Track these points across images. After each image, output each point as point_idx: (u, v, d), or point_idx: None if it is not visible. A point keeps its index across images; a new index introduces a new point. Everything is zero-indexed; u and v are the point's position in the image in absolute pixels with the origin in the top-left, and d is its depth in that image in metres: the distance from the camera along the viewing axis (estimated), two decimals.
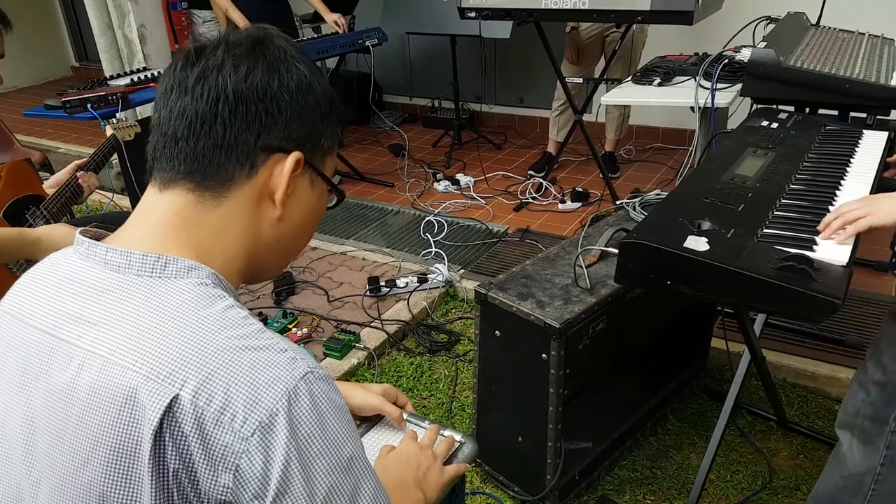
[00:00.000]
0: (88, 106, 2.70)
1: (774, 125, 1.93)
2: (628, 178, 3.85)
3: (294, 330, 2.61)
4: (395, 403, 1.15)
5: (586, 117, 3.48)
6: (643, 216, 1.99)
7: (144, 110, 3.06)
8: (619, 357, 1.84)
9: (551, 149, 3.93)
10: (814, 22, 2.79)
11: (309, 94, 0.76)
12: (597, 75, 3.61)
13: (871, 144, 1.81)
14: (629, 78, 2.71)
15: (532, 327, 1.62)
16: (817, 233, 1.28)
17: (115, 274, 0.71)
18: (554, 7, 2.97)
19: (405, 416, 1.16)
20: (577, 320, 1.60)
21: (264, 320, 2.67)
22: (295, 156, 0.75)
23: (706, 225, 1.31)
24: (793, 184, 1.54)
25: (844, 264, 1.21)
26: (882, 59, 2.35)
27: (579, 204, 3.46)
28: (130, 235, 0.74)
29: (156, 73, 2.88)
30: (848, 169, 1.62)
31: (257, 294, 2.92)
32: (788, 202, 1.45)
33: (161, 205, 0.74)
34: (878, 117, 2.14)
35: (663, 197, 2.13)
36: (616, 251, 1.78)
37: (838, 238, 1.25)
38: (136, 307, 0.68)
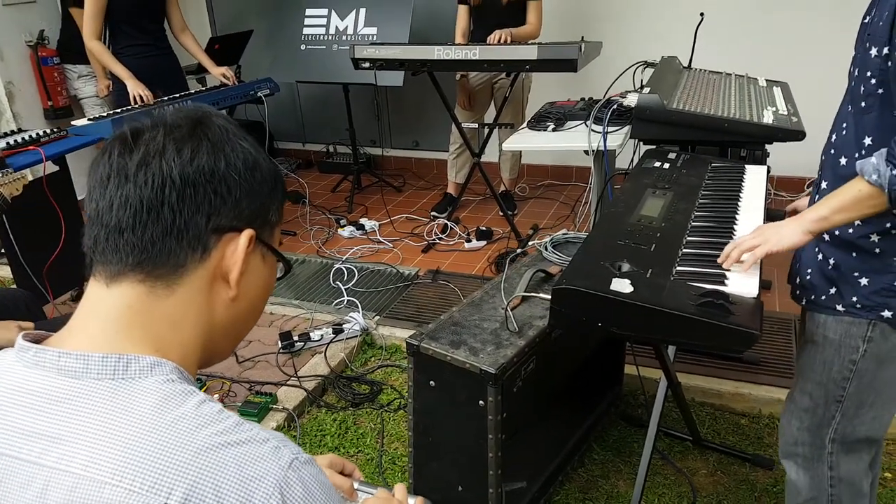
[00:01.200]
0: None
1: (666, 165, 2.08)
2: (525, 214, 4.00)
3: None
4: (342, 473, 1.13)
5: (482, 158, 3.60)
6: (557, 255, 2.08)
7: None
8: (548, 395, 1.89)
9: (451, 190, 4.02)
10: (686, 65, 3.06)
11: (256, 171, 0.75)
12: (487, 119, 3.76)
13: (755, 178, 1.99)
14: (524, 124, 2.84)
15: (468, 375, 1.64)
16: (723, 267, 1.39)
17: (72, 380, 0.66)
18: (446, 57, 3.08)
19: (355, 485, 1.13)
20: (511, 364, 1.64)
21: None
22: (248, 233, 0.73)
23: (626, 267, 1.39)
24: (693, 221, 1.66)
25: (755, 296, 1.32)
26: (752, 98, 2.60)
27: (484, 242, 3.56)
28: (81, 336, 0.69)
29: (34, 135, 2.70)
30: (739, 203, 1.77)
31: None
32: (693, 239, 1.57)
33: (110, 300, 0.70)
34: (754, 151, 2.39)
35: (570, 236, 2.25)
36: (540, 295, 1.87)
37: (742, 267, 1.36)
38: (103, 415, 0.63)
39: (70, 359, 0.67)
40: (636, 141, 2.48)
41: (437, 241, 3.63)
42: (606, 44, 3.52)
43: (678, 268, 1.42)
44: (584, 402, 2.21)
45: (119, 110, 3.12)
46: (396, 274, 3.31)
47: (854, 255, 1.32)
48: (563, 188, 4.32)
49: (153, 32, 3.33)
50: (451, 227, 3.71)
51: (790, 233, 1.31)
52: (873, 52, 1.22)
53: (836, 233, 1.33)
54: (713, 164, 2.13)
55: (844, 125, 1.33)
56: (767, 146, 2.28)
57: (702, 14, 2.82)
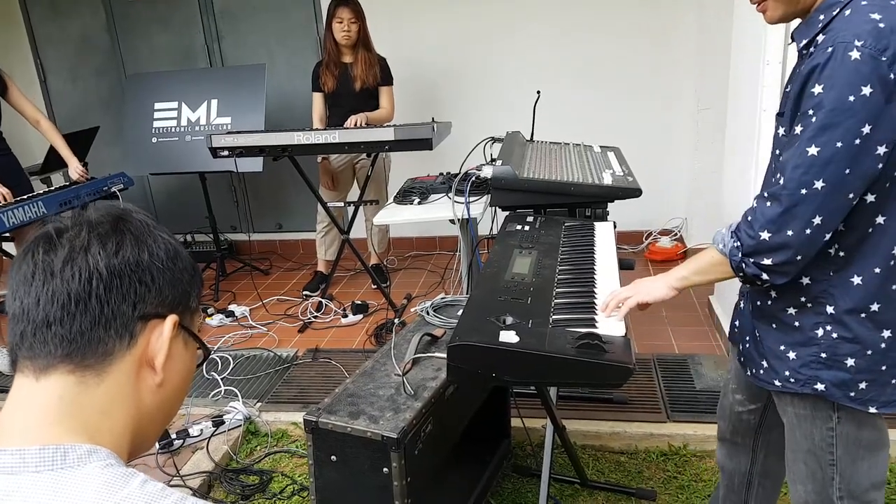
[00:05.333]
0: None
1: (527, 227, 2.28)
2: (398, 285, 4.12)
3: None
4: None
5: (351, 234, 3.70)
6: (439, 318, 2.19)
7: None
8: (446, 454, 1.96)
9: (322, 268, 4.06)
10: (528, 138, 3.38)
11: (177, 260, 0.79)
12: (351, 198, 3.89)
13: (604, 233, 2.24)
14: (390, 200, 2.99)
15: (370, 444, 1.67)
16: (594, 312, 1.57)
17: (8, 477, 0.65)
18: (307, 142, 3.19)
19: None
20: (411, 427, 1.70)
21: None
22: (172, 319, 0.77)
23: (510, 320, 1.53)
24: (559, 275, 1.85)
25: (623, 335, 1.50)
26: (590, 162, 2.93)
27: (361, 315, 3.61)
28: (13, 431, 0.69)
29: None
30: (595, 256, 1.99)
31: None
32: (562, 290, 1.74)
33: (40, 393, 0.71)
34: (596, 210, 2.68)
35: (448, 300, 2.38)
36: (435, 355, 1.96)
37: (618, 315, 1.51)
38: None
39: (4, 455, 0.66)
40: (494, 208, 2.70)
41: (313, 319, 3.63)
42: (456, 122, 3.81)
43: (554, 316, 1.58)
44: (479, 459, 2.29)
45: None
46: (274, 357, 3.26)
47: (774, 326, 1.38)
48: (429, 257, 4.51)
49: None
50: (326, 304, 3.73)
51: (658, 287, 1.47)
52: (780, 132, 1.31)
53: (758, 302, 1.42)
54: (566, 224, 2.37)
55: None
56: (609, 205, 2.58)
57: (538, 92, 3.15)
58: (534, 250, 2.03)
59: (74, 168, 3.35)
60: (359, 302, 3.69)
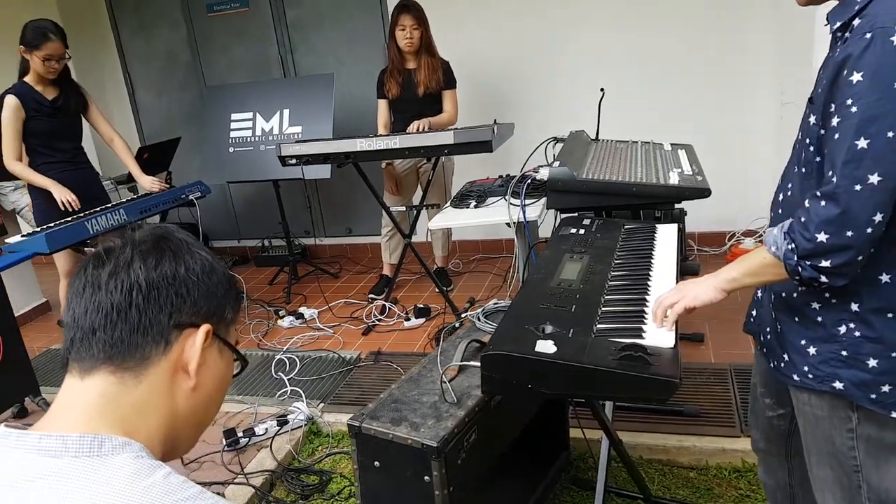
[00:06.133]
0: None
1: (581, 231, 2.21)
2: (461, 288, 4.11)
3: None
4: None
5: (414, 239, 3.72)
6: (489, 325, 2.16)
7: None
8: (494, 465, 1.92)
9: (387, 271, 4.11)
10: (593, 137, 3.29)
11: (213, 274, 0.86)
12: (416, 202, 3.91)
13: (665, 236, 2.14)
14: (448, 204, 2.97)
15: (411, 451, 1.66)
16: (642, 321, 1.49)
17: (51, 459, 0.72)
18: (369, 148, 3.23)
19: None
20: (452, 435, 1.68)
21: None
22: (205, 328, 0.83)
23: (549, 329, 1.48)
24: (610, 281, 1.78)
25: (672, 346, 1.41)
26: (657, 161, 2.81)
27: (423, 319, 3.62)
28: (59, 422, 0.77)
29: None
30: (652, 261, 1.90)
31: None
32: (611, 298, 1.67)
33: (84, 391, 0.79)
34: (666, 211, 2.56)
35: (500, 305, 2.34)
36: (474, 363, 1.93)
37: (667, 325, 1.43)
38: (82, 487, 0.70)
39: (50, 440, 0.74)
40: (557, 211, 2.64)
41: (377, 322, 3.67)
42: (523, 123, 3.76)
43: (598, 325, 1.51)
44: (533, 470, 2.24)
45: (52, 224, 3.12)
46: (338, 359, 3.32)
47: (797, 319, 1.34)
48: (494, 260, 4.47)
49: (69, 151, 3.41)
50: (390, 308, 3.77)
51: (705, 290, 1.38)
52: (812, 119, 1.24)
53: (783, 294, 1.37)
54: (626, 227, 2.28)
55: (790, 185, 1.36)
56: (687, 205, 2.45)
57: (602, 89, 3.06)
58: (586, 255, 1.96)
59: (146, 183, 3.53)
60: (421, 305, 3.70)
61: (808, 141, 1.25)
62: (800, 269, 1.19)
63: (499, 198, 2.86)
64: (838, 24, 1.18)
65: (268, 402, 3.01)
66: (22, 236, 2.90)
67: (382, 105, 3.90)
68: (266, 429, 2.75)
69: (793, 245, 1.19)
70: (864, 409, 1.26)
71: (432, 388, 1.87)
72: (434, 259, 4.20)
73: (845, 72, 1.10)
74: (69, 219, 3.13)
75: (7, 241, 2.92)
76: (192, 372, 0.83)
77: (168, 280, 0.81)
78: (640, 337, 1.43)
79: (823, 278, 1.17)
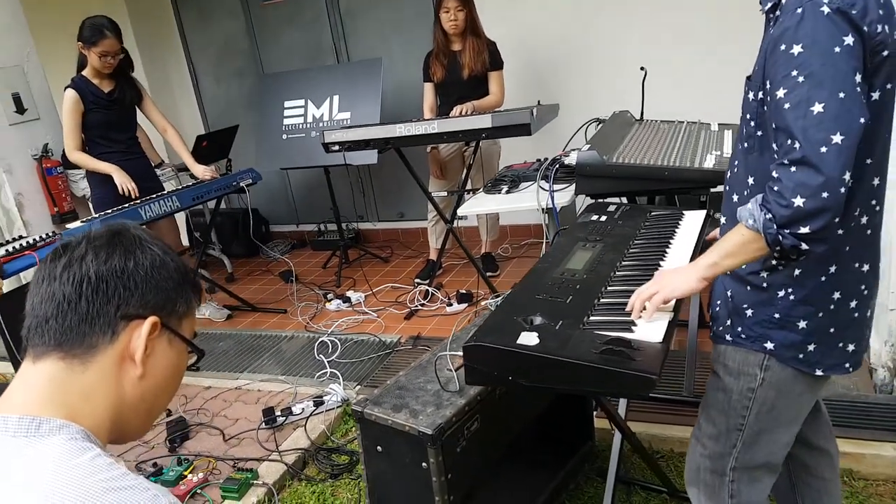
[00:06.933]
0: None
1: (603, 218, 2.14)
2: (508, 274, 4.08)
3: (190, 476, 2.53)
4: None
5: (464, 223, 3.71)
6: None
7: (26, 275, 3.01)
8: (500, 454, 1.92)
9: (433, 256, 4.13)
10: (638, 117, 3.17)
11: (163, 269, 0.90)
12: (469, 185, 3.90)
13: (690, 224, 2.04)
14: (481, 189, 2.95)
15: (408, 437, 1.68)
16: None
17: None
18: (408, 133, 3.24)
19: None
20: (450, 424, 1.68)
21: (159, 471, 2.58)
22: (151, 320, 0.87)
23: (538, 320, 1.45)
24: (618, 271, 1.73)
25: (660, 340, 1.37)
26: (699, 143, 2.69)
27: (465, 305, 3.63)
28: (8, 403, 0.83)
29: (31, 241, 2.87)
30: (668, 250, 1.82)
31: (151, 444, 2.83)
32: (614, 289, 1.62)
33: (35, 374, 0.84)
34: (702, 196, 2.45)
35: None
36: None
37: (645, 316, 1.41)
38: (19, 465, 0.76)
39: None
40: (587, 196, 2.57)
41: (420, 307, 3.71)
42: (572, 103, 3.66)
43: (591, 318, 1.48)
44: (551, 460, 2.21)
45: (108, 211, 3.31)
46: (378, 342, 3.38)
47: (748, 288, 1.39)
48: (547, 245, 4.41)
49: (124, 142, 3.57)
50: (433, 293, 3.79)
51: (684, 280, 1.36)
52: (750, 95, 1.30)
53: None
54: (652, 213, 2.20)
55: (736, 163, 1.41)
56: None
57: (642, 68, 2.94)
58: (600, 243, 1.91)
59: (198, 172, 3.67)
60: (464, 291, 3.71)
61: (748, 117, 1.30)
62: (780, 238, 1.17)
63: (532, 183, 2.81)
64: (769, 4, 1.25)
65: (307, 382, 3.10)
66: (81, 222, 3.10)
67: (428, 88, 3.90)
68: (303, 409, 2.84)
69: (770, 215, 1.18)
70: (771, 370, 1.37)
71: (440, 375, 1.88)
72: (482, 244, 4.18)
73: (783, 46, 1.15)
74: (125, 205, 3.31)
75: (67, 227, 3.13)
76: (139, 360, 0.87)
77: (117, 273, 0.86)
78: (630, 330, 1.39)
79: (804, 245, 1.16)
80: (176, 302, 0.92)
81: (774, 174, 1.17)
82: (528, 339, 1.38)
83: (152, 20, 5.16)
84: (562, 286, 1.63)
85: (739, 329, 1.40)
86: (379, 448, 1.79)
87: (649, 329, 1.40)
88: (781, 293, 1.34)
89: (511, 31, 4.11)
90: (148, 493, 0.75)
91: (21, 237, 2.98)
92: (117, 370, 0.87)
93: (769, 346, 1.36)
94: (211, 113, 5.37)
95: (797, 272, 1.32)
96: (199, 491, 2.47)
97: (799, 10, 1.14)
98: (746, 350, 1.39)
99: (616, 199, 2.61)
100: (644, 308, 1.40)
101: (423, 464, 1.68)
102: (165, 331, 0.91)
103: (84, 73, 3.42)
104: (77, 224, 3.08)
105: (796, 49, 1.14)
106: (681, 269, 1.41)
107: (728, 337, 1.43)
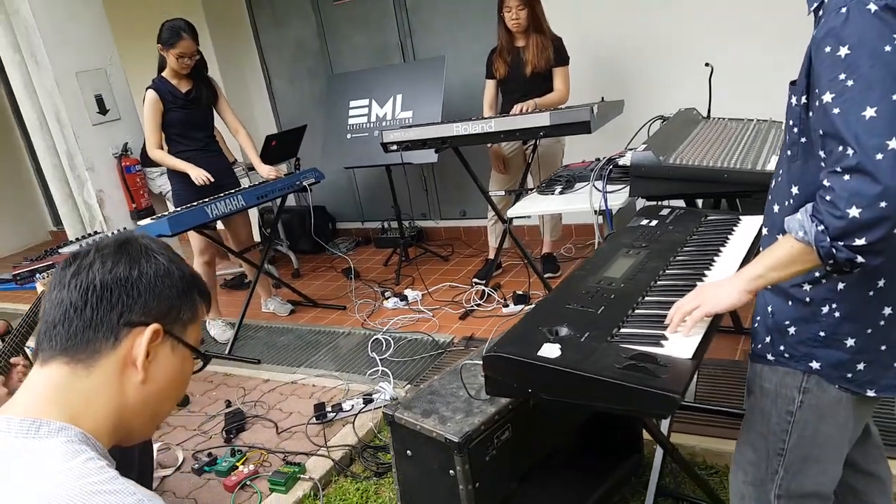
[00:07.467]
0: (36, 276, 2.82)
1: (654, 222, 2.05)
2: None
3: (241, 468, 2.61)
4: None
5: (525, 222, 3.65)
6: None
7: None
8: (534, 464, 1.87)
9: (492, 256, 4.08)
10: (704, 115, 3.02)
11: (166, 278, 0.93)
12: (529, 184, 3.84)
13: (745, 231, 1.93)
14: (534, 189, 2.89)
15: (436, 444, 1.67)
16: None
17: None
18: (464, 133, 3.21)
19: None
20: (478, 432, 1.65)
21: (213, 460, 2.68)
22: (152, 327, 0.90)
23: (564, 331, 1.40)
24: (659, 280, 1.64)
25: (691, 357, 1.29)
26: (766, 143, 2.53)
27: (521, 306, 3.57)
28: (15, 404, 0.87)
29: (107, 234, 3.03)
30: (716, 259, 1.72)
31: (209, 434, 2.94)
32: (651, 299, 1.54)
33: (41, 377, 0.89)
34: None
35: None
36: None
37: (683, 331, 1.34)
38: (20, 465, 0.79)
39: (0, 422, 0.85)
40: (643, 198, 2.47)
41: (475, 307, 3.68)
42: (645, 99, 3.51)
43: (622, 330, 1.41)
44: (594, 472, 2.14)
45: (173, 210, 3.46)
46: (432, 342, 3.38)
47: (790, 303, 1.31)
48: None
49: (202, 139, 3.71)
50: (490, 293, 3.76)
51: (727, 293, 1.29)
52: (793, 100, 1.24)
53: None
54: (708, 218, 2.09)
55: (780, 172, 1.34)
56: None
57: (707, 64, 2.80)
58: (645, 250, 1.83)
59: (263, 171, 3.78)
60: (520, 292, 3.65)
61: (791, 123, 1.24)
62: (834, 251, 1.09)
63: (587, 183, 2.73)
64: (815, 5, 1.18)
65: (359, 379, 3.14)
66: (151, 219, 3.25)
67: (490, 85, 3.86)
68: (352, 405, 2.88)
69: (822, 227, 1.10)
70: (811, 393, 1.29)
71: (472, 381, 1.85)
72: (543, 244, 4.11)
73: (828, 48, 1.09)
74: (193, 203, 3.44)
75: (139, 223, 3.29)
76: (140, 366, 0.90)
77: (120, 282, 0.89)
78: (659, 345, 1.32)
79: (860, 258, 1.09)
80: (180, 310, 0.94)
81: (826, 182, 1.10)
82: (550, 350, 1.33)
83: (228, 22, 5.35)
84: (595, 295, 1.56)
85: (782, 348, 1.32)
86: (409, 452, 1.78)
87: (680, 344, 1.32)
88: (825, 309, 1.25)
89: (578, 26, 4.00)
90: (133, 498, 0.77)
91: (95, 232, 3.15)
92: (120, 375, 0.90)
93: (815, 365, 1.28)
94: (283, 113, 5.52)
95: (841, 286, 1.23)
96: (248, 483, 2.54)
97: (843, 10, 1.08)
98: (785, 370, 1.32)
99: (676, 202, 2.50)
100: (684, 321, 1.33)
101: (451, 471, 1.66)
102: (168, 338, 0.93)
103: (163, 74, 3.58)
104: (147, 221, 3.23)
105: (843, 50, 1.07)
106: (723, 282, 1.33)
107: (769, 356, 1.35)
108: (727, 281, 1.31)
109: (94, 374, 0.88)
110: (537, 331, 1.41)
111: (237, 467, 2.62)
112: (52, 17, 3.85)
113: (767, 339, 1.34)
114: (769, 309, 1.34)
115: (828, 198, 1.08)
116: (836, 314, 1.24)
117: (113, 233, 3.08)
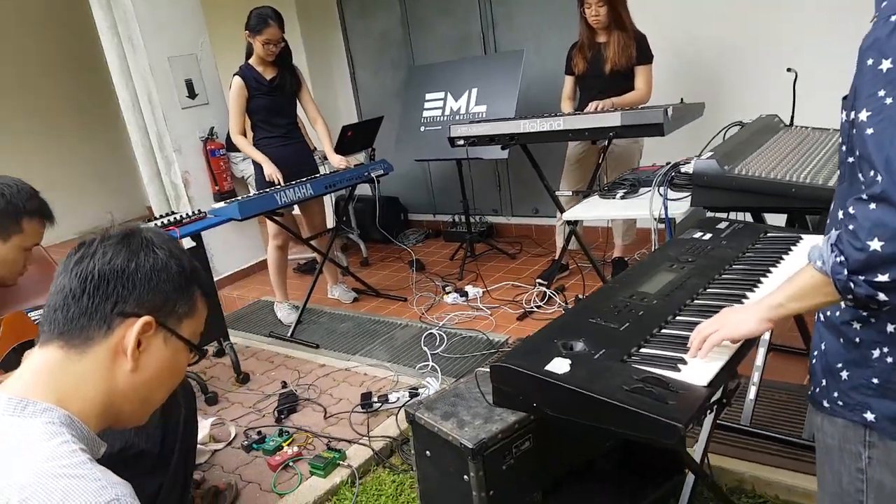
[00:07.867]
0: None
1: (708, 236, 1.94)
2: None
3: (286, 448, 2.69)
4: None
5: (596, 224, 3.55)
6: None
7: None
8: (559, 478, 1.82)
9: (558, 256, 3.99)
10: (787, 123, 2.82)
11: (163, 272, 0.97)
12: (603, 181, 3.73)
13: (804, 251, 1.79)
14: (596, 192, 2.80)
15: (452, 448, 1.65)
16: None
17: None
18: (531, 130, 3.15)
19: None
20: (494, 440, 1.63)
21: (262, 439, 2.77)
22: (144, 319, 0.94)
23: (579, 346, 1.35)
24: (696, 298, 1.55)
25: (705, 385, 1.22)
26: None
27: None
28: (13, 384, 0.93)
29: (178, 217, 3.18)
30: (763, 280, 1.61)
31: (262, 413, 3.05)
32: (682, 319, 1.46)
33: (39, 358, 0.94)
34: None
35: None
36: None
37: (700, 355, 1.27)
38: (4, 439, 0.84)
39: None
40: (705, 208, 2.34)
41: (535, 308, 3.62)
42: (727, 102, 3.33)
43: (641, 349, 1.35)
44: (631, 490, 2.06)
45: (245, 196, 3.60)
46: (486, 341, 3.35)
47: (841, 341, 1.18)
48: None
49: (284, 126, 3.81)
50: (551, 296, 3.68)
51: (745, 320, 1.22)
52: (843, 116, 1.13)
53: (827, 313, 1.20)
54: (768, 234, 1.95)
55: (836, 193, 1.22)
56: None
57: (789, 69, 2.61)
58: (690, 265, 1.74)
59: (334, 161, 3.85)
60: (582, 296, 3.55)
61: (841, 140, 1.13)
62: (852, 285, 0.99)
63: (651, 189, 2.61)
64: (875, 11, 1.04)
65: (409, 372, 3.16)
66: (225, 202, 3.39)
67: (568, 81, 3.77)
68: (398, 398, 2.90)
69: (842, 258, 0.99)
70: (879, 447, 1.12)
71: (482, 390, 1.82)
72: (614, 248, 3.98)
73: (870, 60, 0.97)
74: (266, 190, 3.56)
75: (213, 206, 3.44)
76: (130, 355, 0.94)
77: (118, 273, 0.93)
78: (676, 369, 1.25)
79: (882, 296, 0.98)
80: (175, 303, 0.97)
81: (851, 210, 0.99)
82: (559, 366, 1.29)
83: (317, 12, 5.48)
84: (623, 311, 1.50)
85: (836, 394, 1.17)
86: (427, 453, 1.77)
87: (698, 370, 1.25)
88: (876, 353, 1.11)
89: (664, 22, 3.83)
90: (96, 484, 0.80)
91: (173, 213, 3.32)
92: (111, 362, 0.94)
93: (869, 417, 1.13)
94: (365, 103, 5.62)
95: (891, 328, 1.09)
96: (291, 464, 2.62)
97: (893, 18, 0.96)
98: (843, 422, 1.16)
99: (740, 216, 2.36)
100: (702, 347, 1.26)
101: (465, 476, 1.64)
102: (161, 329, 0.96)
103: (250, 61, 3.70)
104: (221, 205, 3.37)
105: (885, 64, 0.96)
106: (746, 308, 1.25)
107: (825, 403, 1.20)
108: (749, 307, 1.22)
109: (85, 359, 0.93)
110: (552, 343, 1.37)
111: (283, 447, 2.71)
112: (150, 2, 4.08)
113: (823, 383, 1.21)
114: (823, 346, 1.21)
115: (850, 227, 0.98)
116: (889, 359, 1.10)
117: (185, 215, 3.23)
